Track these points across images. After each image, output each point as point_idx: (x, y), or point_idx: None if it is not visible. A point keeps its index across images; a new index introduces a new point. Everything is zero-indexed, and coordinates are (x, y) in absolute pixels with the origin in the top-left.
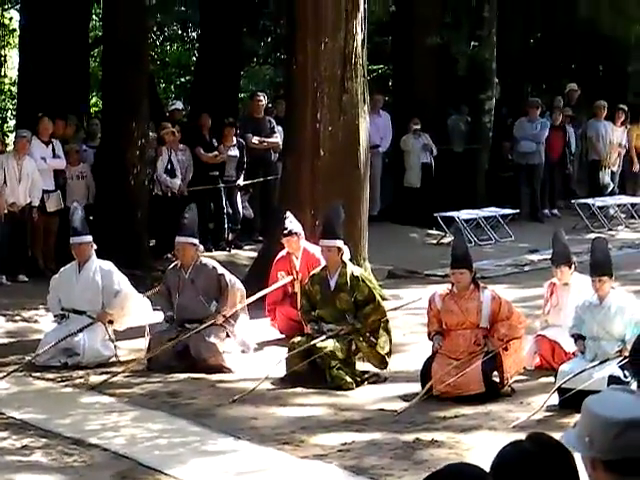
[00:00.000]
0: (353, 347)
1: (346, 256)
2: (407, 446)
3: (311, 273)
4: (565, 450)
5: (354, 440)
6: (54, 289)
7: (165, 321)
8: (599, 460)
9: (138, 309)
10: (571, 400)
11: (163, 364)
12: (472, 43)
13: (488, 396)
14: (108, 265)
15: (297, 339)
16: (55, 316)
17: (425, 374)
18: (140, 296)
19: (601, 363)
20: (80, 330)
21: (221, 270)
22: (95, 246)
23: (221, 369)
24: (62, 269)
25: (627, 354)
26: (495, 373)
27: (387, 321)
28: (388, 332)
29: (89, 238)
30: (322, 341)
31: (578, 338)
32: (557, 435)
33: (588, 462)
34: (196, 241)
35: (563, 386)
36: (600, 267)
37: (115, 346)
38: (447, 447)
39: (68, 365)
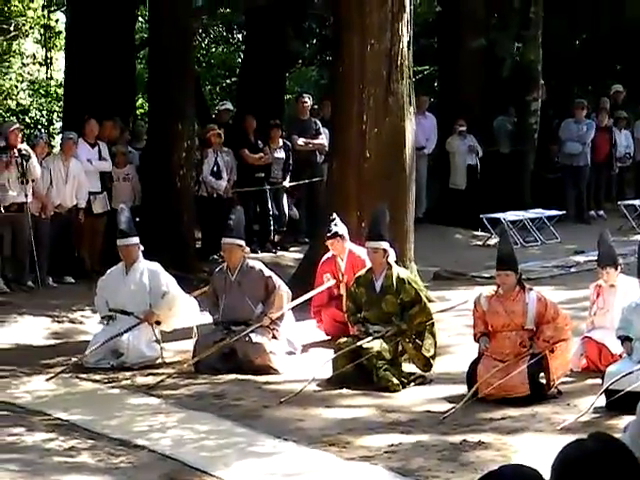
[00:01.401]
0: (400, 348)
1: (392, 258)
2: (454, 448)
3: (356, 275)
4: (628, 450)
5: (400, 442)
6: (101, 290)
7: (213, 324)
8: None
9: (185, 310)
10: (618, 402)
11: (210, 366)
12: (517, 45)
13: (534, 398)
14: (155, 266)
15: (343, 340)
16: (102, 317)
17: (471, 376)
18: (187, 297)
19: None
20: (127, 330)
21: (268, 272)
22: (142, 247)
23: (268, 370)
24: (109, 270)
25: None
26: (541, 375)
27: (433, 324)
28: (433, 335)
29: (136, 240)
30: (368, 342)
31: (625, 340)
32: None
33: None
34: (242, 242)
35: (610, 388)
36: None
37: (161, 348)
38: (494, 449)
39: (114, 366)
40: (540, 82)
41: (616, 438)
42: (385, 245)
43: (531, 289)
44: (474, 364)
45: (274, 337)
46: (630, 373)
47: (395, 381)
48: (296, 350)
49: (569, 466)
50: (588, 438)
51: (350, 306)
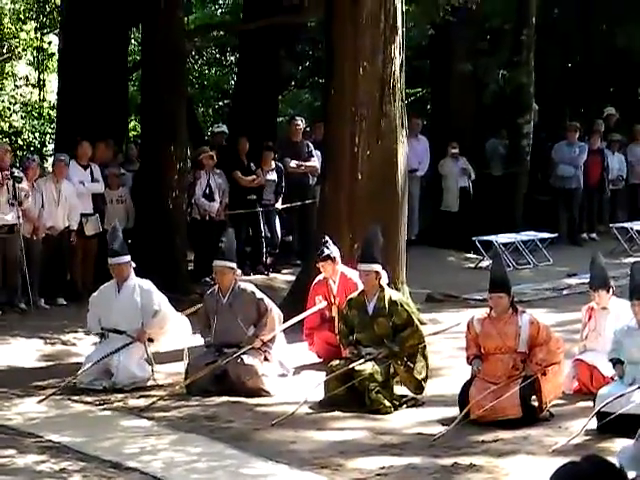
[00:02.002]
0: (391, 370)
1: (384, 280)
2: (445, 470)
3: (348, 297)
4: (621, 473)
5: (392, 464)
6: (93, 307)
7: (205, 346)
8: None
9: (177, 329)
10: (610, 424)
11: (201, 388)
12: (501, 72)
13: (526, 421)
14: (147, 285)
15: (335, 362)
16: (95, 334)
17: (463, 398)
18: (179, 315)
19: None
20: (120, 348)
21: (260, 295)
22: (134, 264)
23: (259, 392)
24: (101, 287)
25: None
26: (533, 397)
27: (425, 346)
28: (425, 358)
29: (127, 258)
30: (360, 364)
31: (617, 362)
32: None
33: None
34: (234, 265)
35: (602, 410)
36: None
37: (153, 370)
38: (485, 471)
39: (106, 388)
40: (533, 105)
41: (609, 461)
42: (377, 267)
43: (524, 312)
44: (466, 386)
45: (266, 359)
46: (622, 396)
47: (387, 404)
48: (288, 372)
49: None
50: (582, 461)
51: (342, 328)
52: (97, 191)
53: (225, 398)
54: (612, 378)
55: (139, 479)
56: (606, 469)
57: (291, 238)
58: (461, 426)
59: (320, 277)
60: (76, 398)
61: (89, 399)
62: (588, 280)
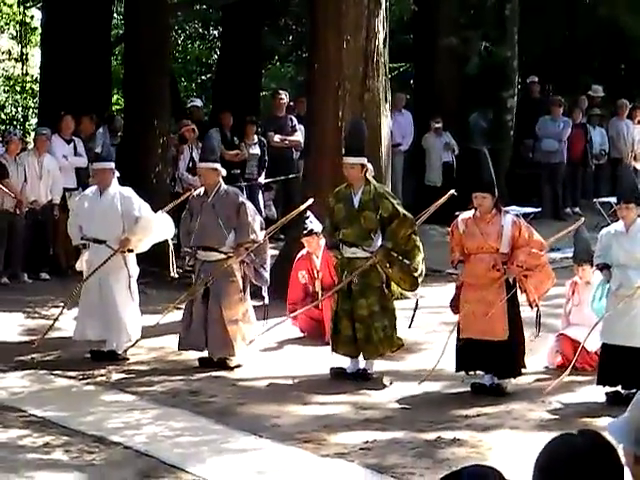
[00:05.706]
0: (383, 278)
1: (370, 173)
2: (429, 445)
3: (335, 190)
4: (616, 450)
5: (376, 439)
6: (75, 215)
7: (183, 249)
8: None
9: (160, 228)
10: (619, 398)
11: (193, 344)
12: (484, 44)
13: (510, 348)
14: (128, 192)
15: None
16: (77, 245)
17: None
18: (160, 215)
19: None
20: (104, 263)
21: (242, 199)
22: (117, 173)
23: (231, 347)
24: (84, 192)
25: None
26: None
27: (416, 233)
28: (420, 249)
29: (112, 165)
30: (351, 284)
31: (604, 267)
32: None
33: (631, 455)
34: (217, 166)
35: (607, 342)
36: (627, 194)
37: (130, 275)
38: (469, 446)
39: (104, 352)
40: (516, 79)
41: (604, 436)
42: (363, 160)
43: (507, 212)
44: (456, 295)
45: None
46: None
47: (396, 340)
48: (265, 283)
49: (556, 463)
50: (577, 434)
51: (327, 225)
52: (80, 165)
53: (208, 373)
54: (596, 353)
55: (122, 453)
56: (602, 445)
57: (274, 211)
58: (444, 400)
59: (303, 252)
60: (59, 372)
61: (72, 374)
62: (572, 254)
